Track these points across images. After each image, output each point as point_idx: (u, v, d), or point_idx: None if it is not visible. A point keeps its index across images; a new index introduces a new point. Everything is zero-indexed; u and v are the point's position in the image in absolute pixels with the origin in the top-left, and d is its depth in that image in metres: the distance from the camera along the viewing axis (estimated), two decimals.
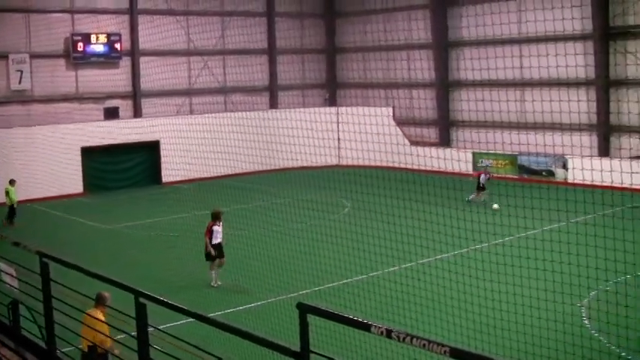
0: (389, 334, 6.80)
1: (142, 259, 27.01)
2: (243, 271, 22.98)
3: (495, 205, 32.39)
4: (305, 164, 42.77)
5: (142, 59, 47.61)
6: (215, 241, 22.98)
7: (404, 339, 6.64)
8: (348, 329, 7.89)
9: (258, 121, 43.97)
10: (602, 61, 43.37)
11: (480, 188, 36.58)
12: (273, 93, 54.62)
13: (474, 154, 45.98)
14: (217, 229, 23.03)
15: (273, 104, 54.22)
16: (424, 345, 6.43)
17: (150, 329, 9.18)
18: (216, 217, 23.15)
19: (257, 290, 21.73)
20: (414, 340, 6.52)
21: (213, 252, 22.91)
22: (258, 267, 23.76)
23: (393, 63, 53.01)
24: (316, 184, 37.96)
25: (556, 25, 41.96)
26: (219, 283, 23.10)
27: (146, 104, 47.94)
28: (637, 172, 32.59)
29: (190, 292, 22.03)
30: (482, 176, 37.10)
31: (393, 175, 34.15)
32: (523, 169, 43.97)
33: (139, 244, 29.98)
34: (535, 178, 42.19)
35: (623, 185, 31.63)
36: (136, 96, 47.54)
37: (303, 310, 7.57)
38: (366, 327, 7.02)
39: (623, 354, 16.51)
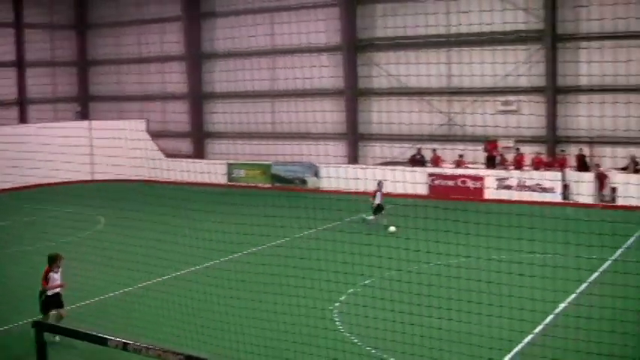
0: (125, 346, 6.84)
1: None
2: None
3: (392, 228, 30.10)
4: (57, 180, 41.55)
5: None
6: (52, 290, 19.12)
7: (140, 350, 6.70)
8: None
9: (7, 137, 42.30)
10: (351, 73, 45.05)
11: (379, 208, 32.25)
12: (22, 107, 52.66)
13: (228, 164, 46.36)
14: (55, 276, 19.16)
15: (23, 119, 52.30)
16: (159, 354, 6.51)
17: None
18: (53, 262, 19.26)
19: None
20: (150, 350, 6.59)
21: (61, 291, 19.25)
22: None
23: (146, 76, 52.72)
24: (69, 200, 37.04)
25: (307, 37, 43.36)
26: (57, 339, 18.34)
27: None
28: (384, 179, 34.06)
29: None
30: (379, 194, 32.57)
31: (148, 188, 33.89)
32: (276, 178, 44.75)
33: None
34: (288, 187, 43.11)
35: (372, 191, 33.12)
36: None
37: (40, 328, 7.45)
38: (102, 341, 7.01)
39: (378, 354, 17.11)
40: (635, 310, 17.06)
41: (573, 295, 20.74)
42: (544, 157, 40.22)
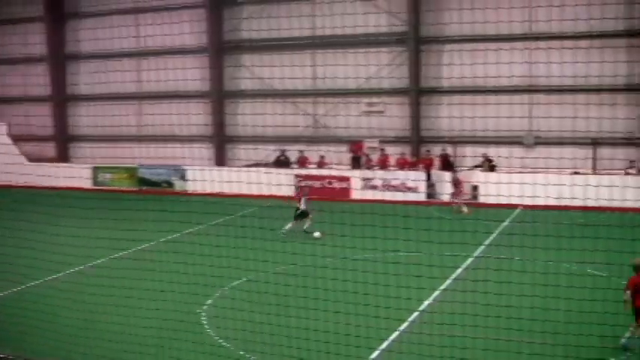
0: None
1: None
2: None
3: (317, 234, 28.97)
4: None
5: None
6: None
7: None
8: None
9: None
10: (217, 75, 44.93)
11: (301, 215, 30.43)
12: None
13: (93, 168, 45.45)
14: None
15: None
16: None
17: None
18: None
19: None
20: None
21: None
22: None
23: (8, 78, 51.18)
24: None
25: (173, 39, 43.01)
26: None
27: None
28: (247, 182, 33.90)
29: None
30: (303, 199, 30.93)
31: (9, 193, 32.96)
32: (143, 182, 44.12)
33: None
34: (155, 190, 42.61)
35: (238, 193, 33.11)
36: None
37: None
38: None
39: (247, 356, 17.04)
40: (495, 304, 17.59)
41: (437, 292, 21.26)
42: (408, 157, 41.02)
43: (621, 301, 16.98)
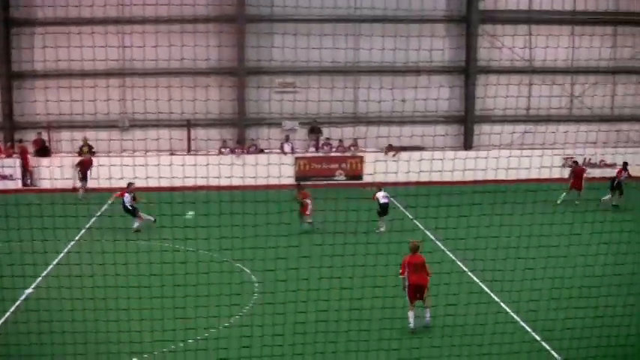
0: None
1: None
2: None
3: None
4: None
5: None
6: None
7: None
8: None
9: None
10: None
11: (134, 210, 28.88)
12: None
13: None
14: None
15: None
16: None
17: None
18: None
19: None
20: None
21: None
22: None
23: None
24: None
25: None
26: None
27: None
28: None
29: None
30: (128, 195, 28.94)
31: None
32: None
33: None
34: None
35: None
36: None
37: None
38: None
39: None
40: (93, 286, 17.72)
41: (39, 279, 20.95)
42: (1, 145, 39.69)
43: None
